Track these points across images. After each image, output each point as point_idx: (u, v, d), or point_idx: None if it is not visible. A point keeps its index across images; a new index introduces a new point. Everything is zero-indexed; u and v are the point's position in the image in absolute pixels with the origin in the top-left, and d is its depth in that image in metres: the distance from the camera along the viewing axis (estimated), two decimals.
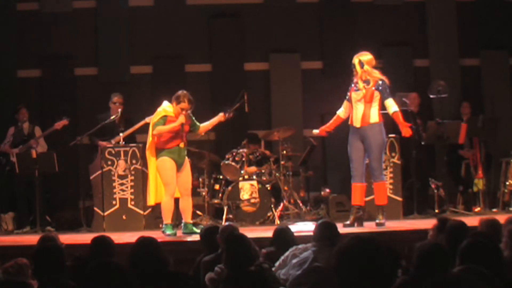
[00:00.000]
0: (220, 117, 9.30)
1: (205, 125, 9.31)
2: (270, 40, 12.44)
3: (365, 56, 9.04)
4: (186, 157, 9.10)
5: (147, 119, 9.61)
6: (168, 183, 8.89)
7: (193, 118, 9.15)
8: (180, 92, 8.99)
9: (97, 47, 12.20)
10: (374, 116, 8.93)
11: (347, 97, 9.12)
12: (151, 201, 9.17)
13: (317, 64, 12.52)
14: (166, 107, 8.98)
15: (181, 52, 12.29)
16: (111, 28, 12.16)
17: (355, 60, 9.01)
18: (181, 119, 8.87)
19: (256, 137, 11.22)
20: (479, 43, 12.58)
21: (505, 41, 12.45)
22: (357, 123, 8.98)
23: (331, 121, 9.30)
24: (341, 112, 9.18)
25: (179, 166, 8.95)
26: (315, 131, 9.50)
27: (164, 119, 8.91)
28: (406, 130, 8.97)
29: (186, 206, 9.07)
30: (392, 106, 8.97)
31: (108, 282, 3.35)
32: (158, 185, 9.03)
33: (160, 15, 12.23)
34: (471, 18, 12.56)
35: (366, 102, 8.92)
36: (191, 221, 9.15)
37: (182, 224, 9.12)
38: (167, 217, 8.97)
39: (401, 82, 11.50)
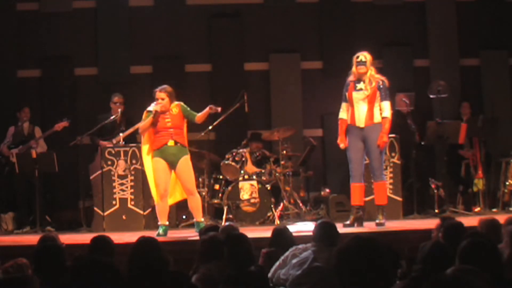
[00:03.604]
0: (207, 109, 9.08)
1: (199, 115, 9.02)
2: (270, 40, 12.43)
3: (369, 56, 9.01)
4: (185, 156, 8.90)
5: None
6: (156, 184, 8.88)
7: (188, 108, 9.02)
8: None
9: (97, 47, 12.19)
10: (378, 116, 8.91)
11: (345, 99, 9.08)
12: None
13: (317, 64, 12.51)
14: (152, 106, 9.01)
15: (181, 52, 12.28)
16: (111, 28, 12.15)
17: (368, 57, 8.94)
18: (155, 107, 8.85)
19: (259, 136, 11.21)
20: (479, 43, 12.57)
21: (505, 41, 12.45)
22: (360, 123, 8.92)
23: (342, 128, 9.07)
24: (345, 115, 9.08)
25: (172, 166, 8.86)
26: (342, 146, 9.04)
27: (149, 115, 8.93)
28: (382, 140, 8.83)
29: (193, 205, 8.98)
30: (385, 109, 8.90)
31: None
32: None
33: (160, 15, 12.22)
34: (471, 18, 12.55)
35: (370, 102, 8.90)
36: (202, 220, 9.03)
37: (195, 223, 9.07)
38: (158, 218, 8.99)
39: (401, 82, 11.49)
